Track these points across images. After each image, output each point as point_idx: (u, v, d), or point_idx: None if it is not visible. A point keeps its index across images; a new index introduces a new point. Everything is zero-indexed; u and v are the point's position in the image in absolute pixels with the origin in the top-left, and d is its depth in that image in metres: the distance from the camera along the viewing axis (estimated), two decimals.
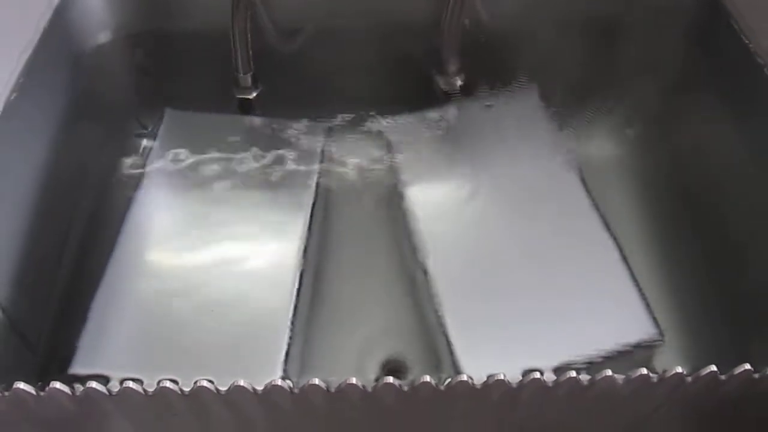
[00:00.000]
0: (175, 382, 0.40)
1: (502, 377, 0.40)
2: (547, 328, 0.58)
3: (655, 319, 0.58)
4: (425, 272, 0.63)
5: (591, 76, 0.76)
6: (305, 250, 0.64)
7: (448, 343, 0.58)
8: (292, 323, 0.59)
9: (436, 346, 0.61)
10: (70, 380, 0.44)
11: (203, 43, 0.73)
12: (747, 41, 0.62)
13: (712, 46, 0.69)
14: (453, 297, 0.61)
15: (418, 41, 0.74)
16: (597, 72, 0.75)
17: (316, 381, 0.39)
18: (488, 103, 0.75)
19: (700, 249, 0.67)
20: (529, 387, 0.40)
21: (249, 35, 0.69)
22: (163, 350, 0.57)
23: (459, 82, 0.76)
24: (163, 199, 0.68)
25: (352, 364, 0.64)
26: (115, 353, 0.57)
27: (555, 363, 0.55)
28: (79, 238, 0.67)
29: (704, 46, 0.70)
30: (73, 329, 0.58)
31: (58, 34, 0.65)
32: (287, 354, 0.57)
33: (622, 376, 0.40)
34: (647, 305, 0.59)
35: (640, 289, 0.60)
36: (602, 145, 0.76)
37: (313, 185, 0.69)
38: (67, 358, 0.57)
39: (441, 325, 0.59)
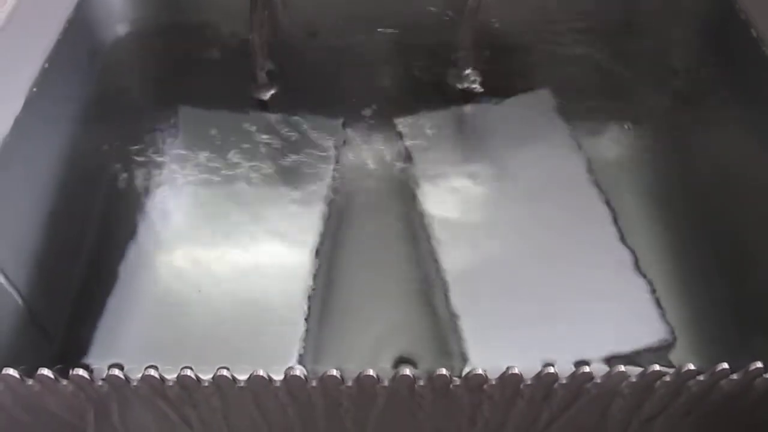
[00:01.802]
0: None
1: (516, 371, 0.40)
2: (560, 328, 0.59)
3: (666, 320, 0.59)
4: (439, 271, 0.64)
5: (604, 77, 0.76)
6: (319, 247, 0.65)
7: (461, 343, 0.58)
8: (306, 319, 0.60)
9: (449, 346, 0.61)
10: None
11: (221, 40, 0.74)
12: (760, 41, 0.62)
13: (724, 48, 0.69)
14: (466, 297, 0.61)
15: (435, 41, 0.74)
16: (609, 73, 0.76)
17: (334, 371, 0.39)
18: (502, 104, 0.75)
19: (711, 249, 0.67)
20: (545, 381, 0.40)
21: (266, 32, 0.69)
22: (178, 342, 0.58)
23: (474, 83, 0.76)
24: (177, 195, 0.69)
25: (364, 362, 0.64)
26: (131, 344, 0.57)
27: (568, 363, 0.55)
28: (95, 232, 0.67)
29: (717, 47, 0.70)
30: (90, 320, 0.59)
31: (78, 30, 0.65)
32: (300, 353, 0.58)
33: (636, 372, 0.40)
34: (659, 306, 0.60)
35: (652, 290, 0.61)
36: (614, 146, 0.76)
37: (328, 182, 0.69)
38: (84, 348, 0.57)
39: (454, 325, 0.60)
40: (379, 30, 0.74)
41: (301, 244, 0.65)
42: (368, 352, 0.63)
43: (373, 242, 0.69)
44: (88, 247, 0.66)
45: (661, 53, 0.75)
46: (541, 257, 0.64)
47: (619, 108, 0.77)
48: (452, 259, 0.64)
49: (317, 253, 0.64)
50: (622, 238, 0.64)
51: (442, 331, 0.62)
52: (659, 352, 0.58)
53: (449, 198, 0.69)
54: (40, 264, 0.58)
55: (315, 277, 0.63)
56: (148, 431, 0.45)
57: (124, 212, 0.69)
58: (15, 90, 0.57)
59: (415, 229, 0.68)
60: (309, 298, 0.61)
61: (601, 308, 0.60)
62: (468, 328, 0.59)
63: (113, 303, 0.60)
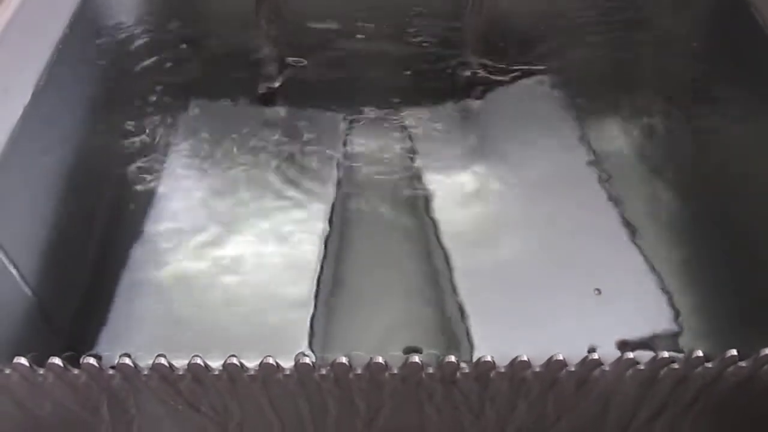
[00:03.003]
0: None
1: (525, 358, 0.40)
2: (568, 319, 0.59)
3: (674, 309, 0.59)
4: (446, 263, 0.64)
5: (609, 66, 0.76)
6: (326, 239, 0.65)
7: (469, 337, 0.59)
8: (314, 311, 0.60)
9: (456, 338, 0.61)
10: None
11: (227, 34, 0.74)
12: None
13: (733, 37, 0.69)
14: (474, 291, 0.61)
15: (440, 33, 0.74)
16: (615, 63, 0.76)
17: (343, 359, 0.39)
18: (507, 95, 0.75)
19: (718, 238, 0.67)
20: (553, 368, 0.40)
21: (272, 26, 0.69)
22: (187, 332, 0.58)
23: (479, 75, 0.77)
24: (185, 186, 0.69)
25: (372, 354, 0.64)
26: (140, 335, 0.58)
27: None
28: (104, 225, 0.68)
29: (725, 36, 0.70)
30: (99, 313, 0.59)
31: (85, 22, 0.66)
32: (309, 342, 0.58)
33: (646, 358, 0.40)
34: (667, 295, 0.60)
35: (659, 279, 0.61)
36: (620, 137, 0.76)
37: (335, 175, 0.70)
38: (93, 341, 0.58)
39: (461, 317, 0.60)
40: (385, 24, 0.74)
41: (308, 237, 0.65)
42: (375, 347, 0.63)
43: (378, 236, 0.70)
44: (96, 240, 0.67)
45: (668, 43, 0.75)
46: (548, 250, 0.64)
47: (625, 98, 0.77)
48: (459, 252, 0.64)
49: (324, 246, 0.65)
50: (629, 228, 0.64)
51: (450, 325, 0.62)
52: (667, 340, 0.58)
53: (455, 189, 0.69)
54: (50, 259, 0.58)
55: (322, 270, 0.63)
56: (161, 423, 0.45)
57: (133, 204, 0.69)
58: (23, 83, 0.57)
59: (421, 222, 0.68)
60: (317, 289, 0.61)
61: (609, 298, 0.60)
62: (475, 322, 0.59)
63: (121, 295, 0.60)
